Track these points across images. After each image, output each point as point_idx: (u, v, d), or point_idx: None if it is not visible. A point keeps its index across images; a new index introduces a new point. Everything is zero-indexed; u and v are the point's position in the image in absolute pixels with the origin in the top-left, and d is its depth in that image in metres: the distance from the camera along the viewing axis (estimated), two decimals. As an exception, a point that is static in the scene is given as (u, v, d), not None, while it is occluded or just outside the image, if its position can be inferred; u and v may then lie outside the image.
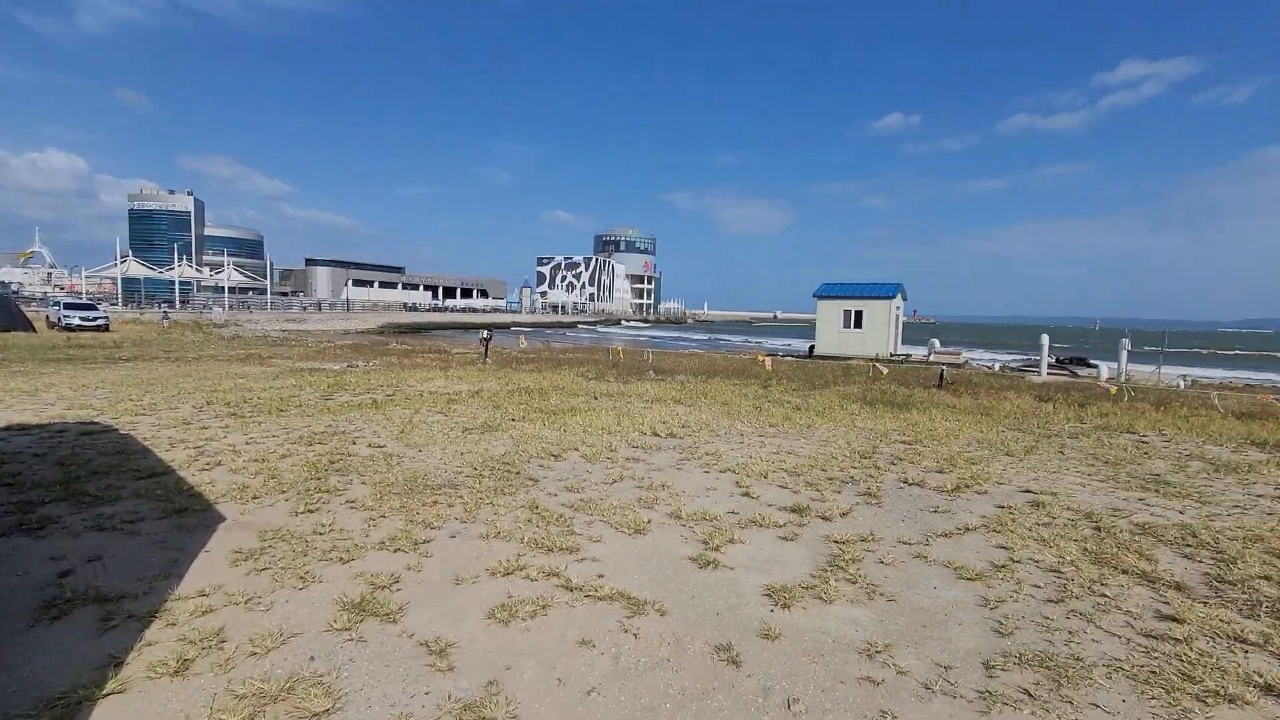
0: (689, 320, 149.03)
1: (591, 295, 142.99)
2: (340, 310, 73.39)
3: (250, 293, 78.96)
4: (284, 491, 5.59)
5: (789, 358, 28.19)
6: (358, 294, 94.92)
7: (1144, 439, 9.38)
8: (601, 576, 4.07)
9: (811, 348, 29.69)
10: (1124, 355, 21.59)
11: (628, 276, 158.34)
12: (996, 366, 25.41)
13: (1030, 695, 2.91)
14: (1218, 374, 27.32)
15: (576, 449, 7.50)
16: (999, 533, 5.03)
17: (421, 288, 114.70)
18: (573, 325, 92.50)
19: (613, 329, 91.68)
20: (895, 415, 10.83)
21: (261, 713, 2.60)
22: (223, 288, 69.20)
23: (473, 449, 7.35)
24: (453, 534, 4.73)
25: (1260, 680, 3.01)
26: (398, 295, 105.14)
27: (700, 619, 3.58)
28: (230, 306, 62.45)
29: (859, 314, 27.66)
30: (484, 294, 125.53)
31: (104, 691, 2.73)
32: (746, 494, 5.95)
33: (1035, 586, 4.08)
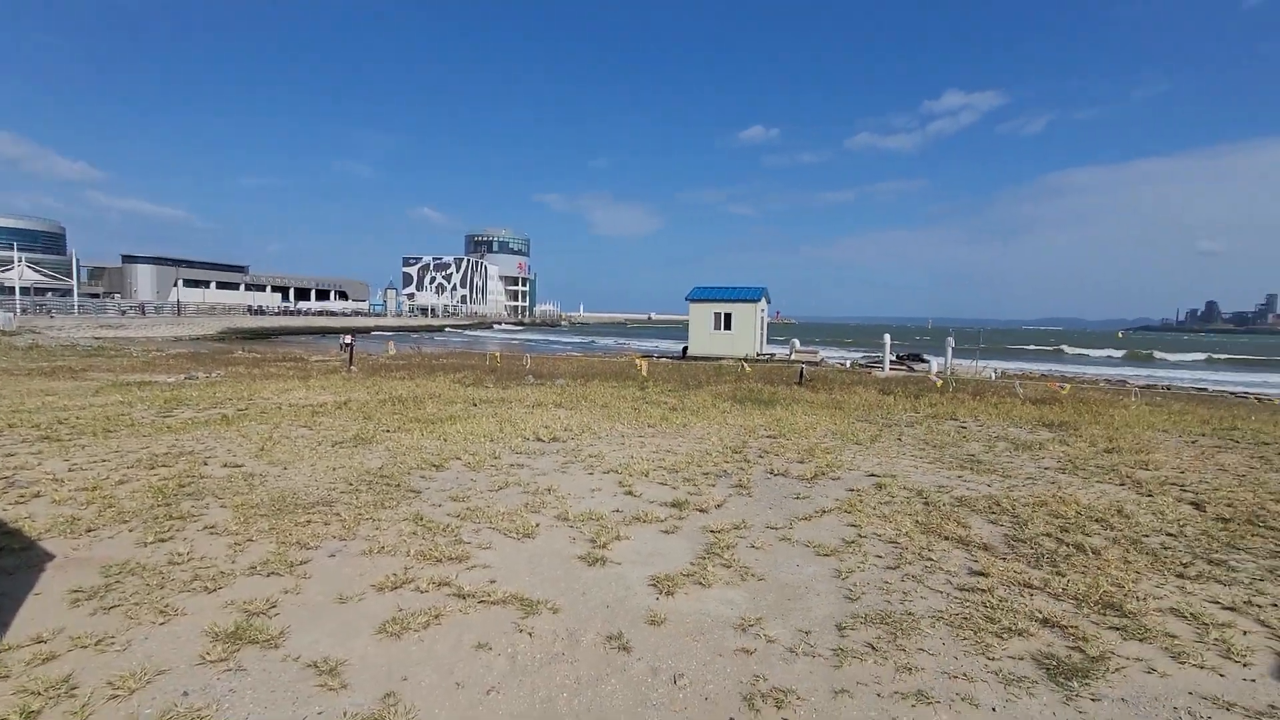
0: (565, 323, 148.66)
1: (463, 297, 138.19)
2: (169, 314, 64.84)
3: (50, 294, 67.59)
4: (126, 521, 5.06)
5: (664, 359, 29.21)
6: (190, 295, 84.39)
7: (964, 425, 10.90)
8: (493, 582, 4.15)
9: (685, 349, 30.95)
10: (949, 352, 24.71)
11: (501, 278, 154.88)
12: (848, 364, 28.03)
13: (874, 648, 3.42)
14: (1022, 366, 32.05)
15: (459, 457, 7.42)
16: (849, 513, 5.71)
17: (269, 289, 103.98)
18: (440, 329, 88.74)
19: (484, 332, 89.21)
20: (762, 412, 11.71)
21: (132, 756, 2.44)
22: (12, 288, 58.61)
23: (345, 463, 7.02)
24: (331, 553, 4.56)
25: (1040, 616, 3.76)
26: (240, 297, 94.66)
27: (591, 613, 3.79)
28: (24, 310, 53.10)
29: (728, 316, 29.26)
30: (343, 296, 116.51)
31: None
32: (629, 493, 6.25)
33: (878, 557, 4.72)
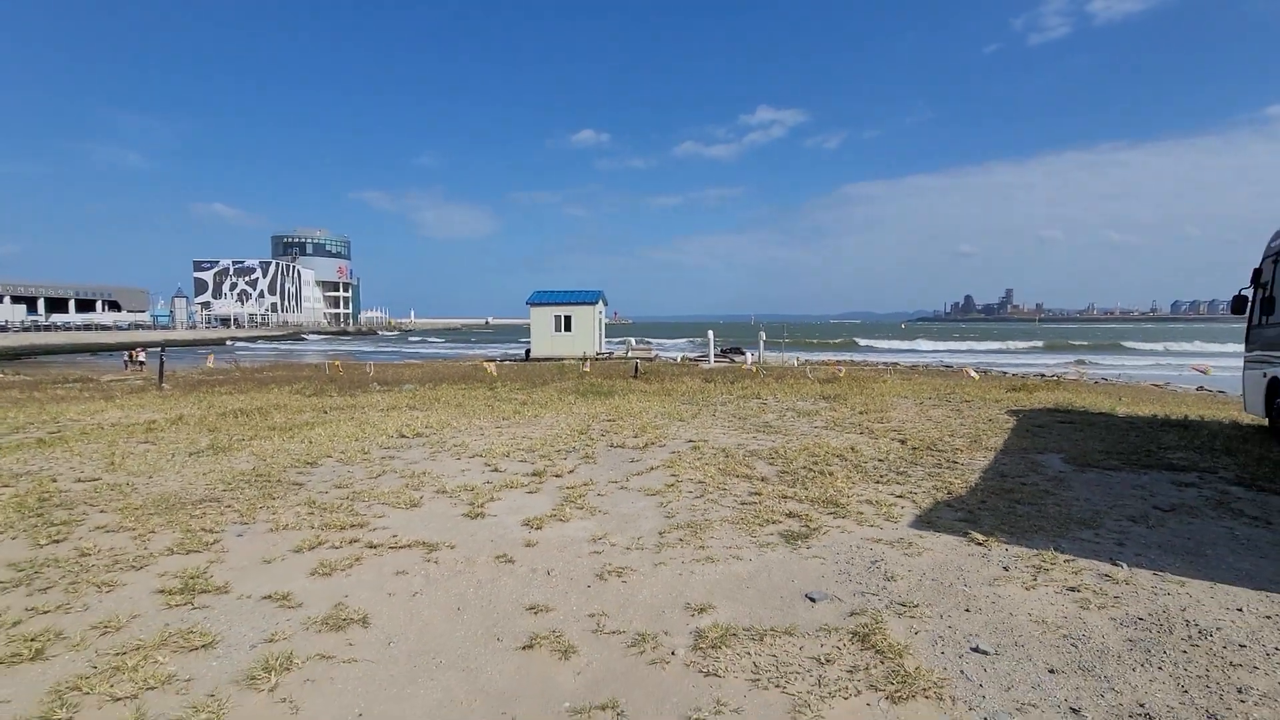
0: (393, 330, 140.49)
1: (273, 305, 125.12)
2: None
3: None
4: (2, 533, 5.25)
5: (508, 361, 29.98)
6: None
7: (765, 401, 13.40)
8: (395, 536, 5.18)
9: (528, 351, 31.95)
10: (761, 345, 28.47)
11: (319, 283, 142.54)
12: (678, 358, 30.95)
13: (682, 541, 5.04)
14: (822, 355, 37.42)
15: (329, 455, 8.05)
16: (671, 467, 7.43)
17: (8, 299, 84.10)
18: (221, 342, 75.61)
19: (296, 344, 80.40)
20: (602, 401, 13.34)
21: (148, 660, 3.26)
22: None
23: (213, 468, 7.37)
24: (239, 534, 5.26)
25: (787, 511, 5.68)
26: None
27: (480, 545, 5.01)
28: None
29: (568, 318, 30.80)
30: (115, 306, 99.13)
31: (-40, 686, 3.05)
32: (495, 469, 7.44)
33: (689, 492, 6.44)
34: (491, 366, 19.35)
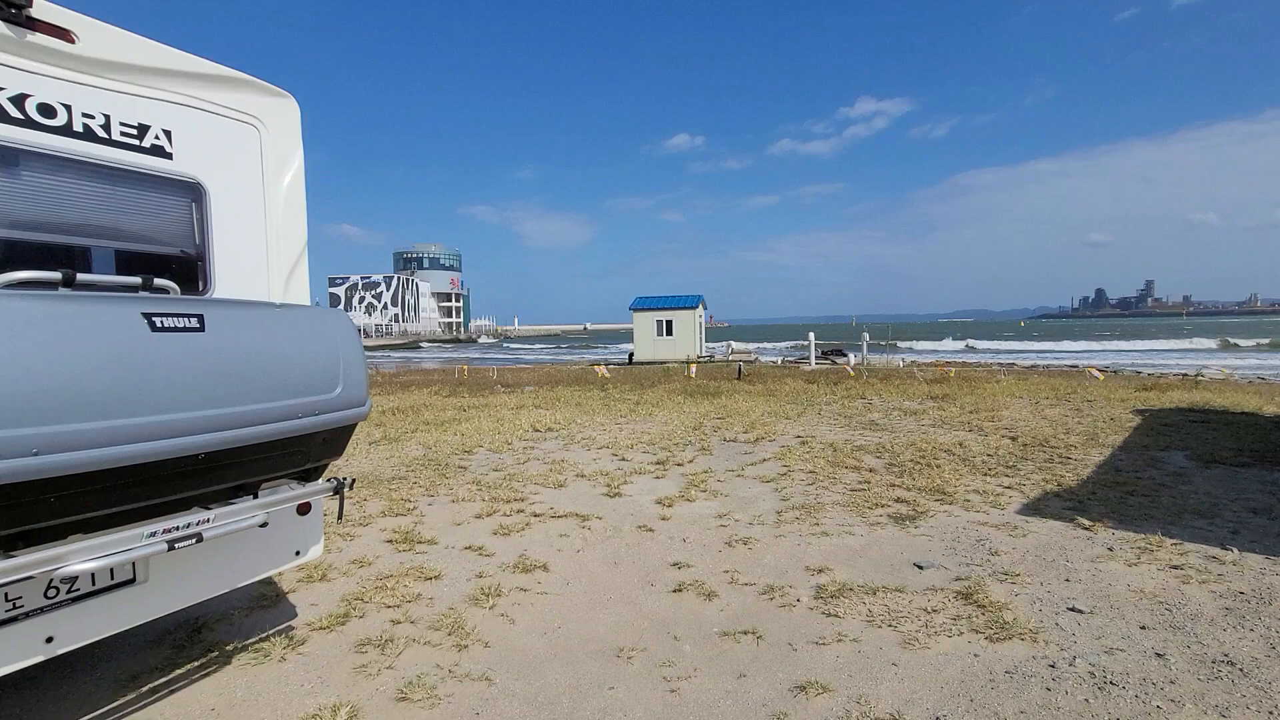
0: (498, 336, 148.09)
1: (395, 316, 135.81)
2: None
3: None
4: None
5: (612, 365, 31.39)
6: None
7: (870, 402, 13.62)
8: (551, 508, 6.21)
9: (631, 355, 33.24)
10: (864, 346, 28.06)
11: (434, 295, 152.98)
12: (779, 360, 31.06)
13: (798, 519, 5.71)
14: (933, 354, 36.14)
15: (480, 446, 9.35)
16: (782, 459, 8.06)
17: None
18: (379, 349, 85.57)
19: (415, 352, 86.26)
20: (709, 401, 14.09)
21: (399, 584, 4.39)
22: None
23: (392, 455, 8.83)
24: (429, 503, 6.50)
25: (895, 498, 6.18)
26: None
27: (622, 518, 5.92)
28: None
29: (669, 323, 31.78)
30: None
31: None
32: (622, 459, 8.39)
33: (801, 480, 7.07)
34: (602, 369, 20.62)
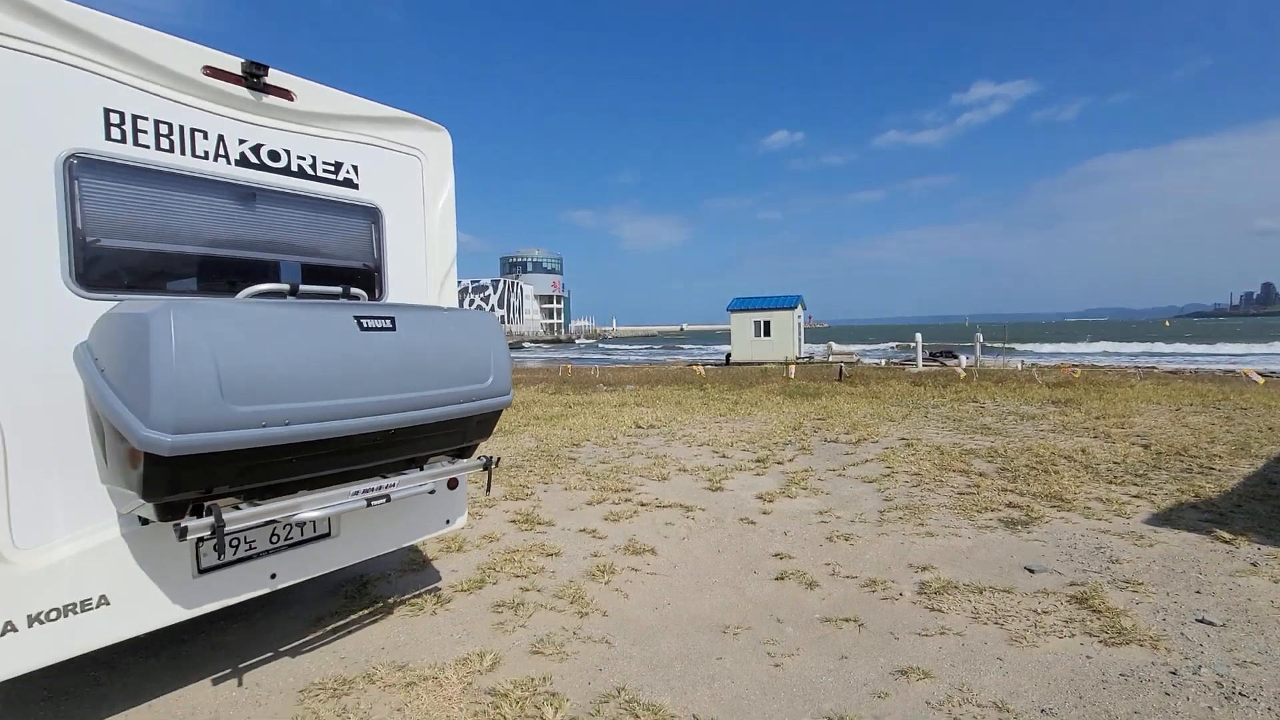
0: (596, 337, 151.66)
1: (501, 318, 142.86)
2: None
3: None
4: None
5: (709, 366, 31.52)
6: None
7: (982, 405, 12.98)
8: (657, 499, 6.57)
9: (728, 355, 33.21)
10: (977, 347, 26.46)
11: (536, 297, 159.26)
12: (882, 362, 29.93)
13: (901, 519, 5.71)
14: (1056, 356, 33.41)
15: (588, 439, 9.91)
16: (885, 460, 7.98)
17: None
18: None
19: (518, 352, 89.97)
20: (809, 402, 13.98)
21: (525, 558, 4.90)
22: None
23: (508, 445, 9.56)
24: (544, 490, 7.05)
25: (1007, 502, 6.01)
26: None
27: (724, 510, 6.17)
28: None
29: (768, 323, 31.47)
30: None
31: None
32: (723, 456, 8.63)
33: (905, 481, 7.00)
34: (700, 369, 20.87)
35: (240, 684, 3.22)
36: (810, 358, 31.97)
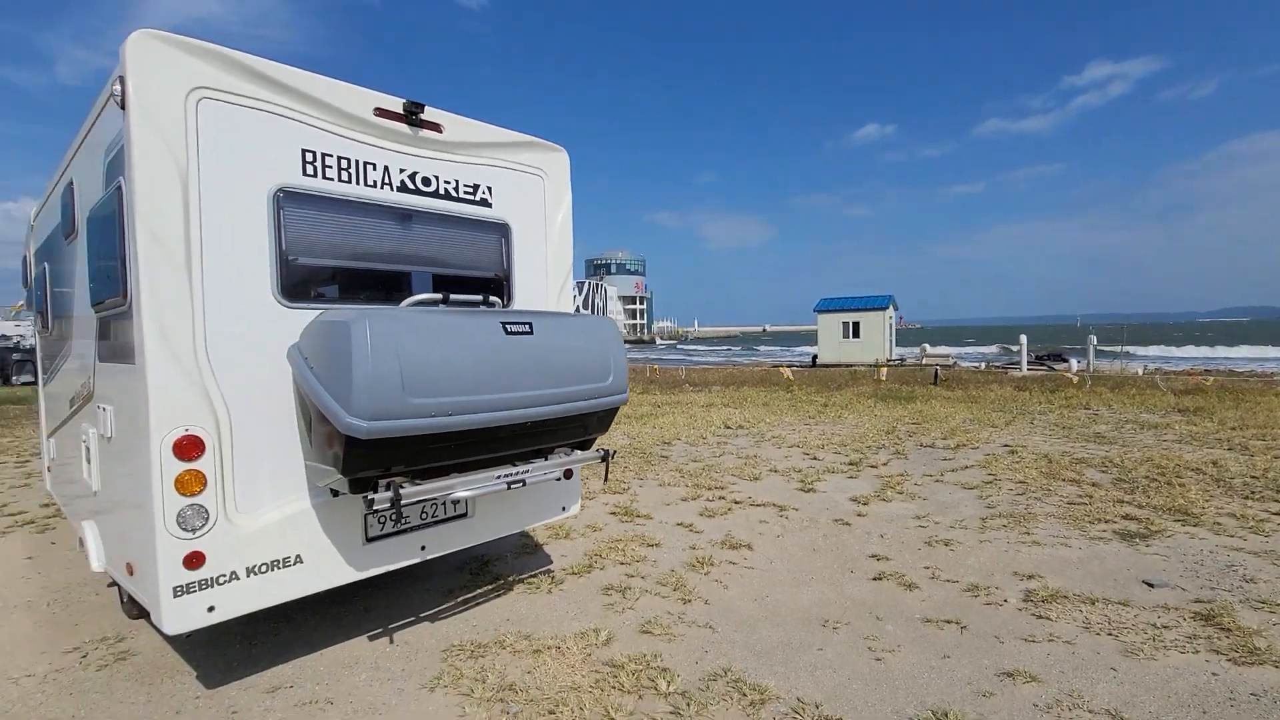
0: (678, 338, 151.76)
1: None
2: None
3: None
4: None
5: (795, 367, 31.03)
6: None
7: (1096, 412, 12.17)
8: (750, 497, 6.72)
9: (814, 357, 32.55)
10: (1090, 350, 24.60)
11: (620, 298, 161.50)
12: (982, 365, 28.38)
13: (1005, 527, 5.58)
14: (1184, 360, 30.48)
15: (678, 438, 10.17)
16: (986, 467, 7.73)
17: None
18: None
19: None
20: (903, 406, 13.59)
21: (628, 547, 5.21)
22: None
23: (603, 443, 9.94)
24: (640, 485, 7.36)
25: (1124, 515, 5.73)
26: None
27: (818, 511, 6.24)
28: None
29: (857, 324, 30.60)
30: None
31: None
32: (814, 458, 8.63)
33: (1009, 489, 6.78)
34: (787, 371, 20.66)
35: (391, 641, 3.70)
36: (902, 360, 30.80)
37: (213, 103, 2.69)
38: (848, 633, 3.76)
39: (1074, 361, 25.04)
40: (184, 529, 2.63)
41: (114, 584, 4.54)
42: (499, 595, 4.35)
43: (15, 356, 28.78)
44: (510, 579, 4.60)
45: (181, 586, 2.63)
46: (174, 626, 2.63)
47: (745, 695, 3.08)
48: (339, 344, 2.44)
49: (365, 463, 2.57)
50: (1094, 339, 24.81)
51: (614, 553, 5.07)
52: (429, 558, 3.50)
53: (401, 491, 2.71)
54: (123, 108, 2.53)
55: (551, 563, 4.93)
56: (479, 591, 4.40)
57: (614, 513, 6.21)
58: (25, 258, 5.92)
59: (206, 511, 2.68)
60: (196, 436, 2.64)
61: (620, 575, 4.65)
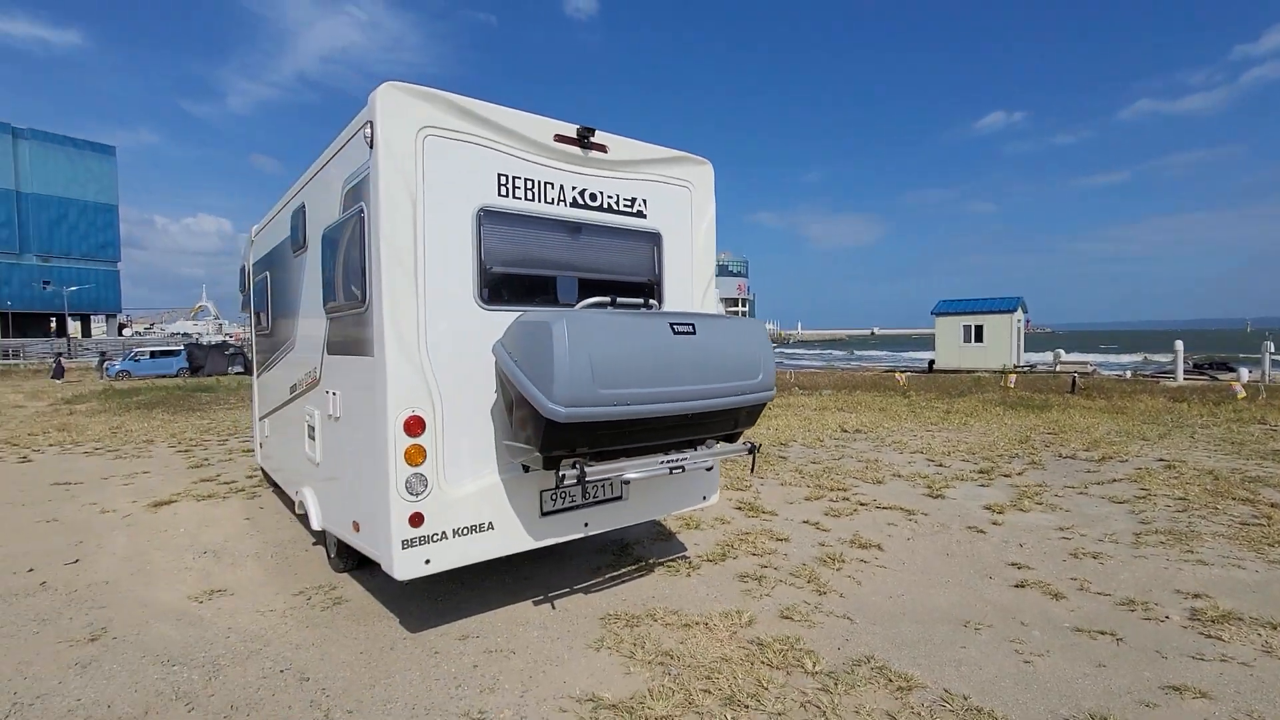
0: (779, 341, 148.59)
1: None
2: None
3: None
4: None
5: (909, 373, 29.64)
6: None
7: (1274, 428, 10.85)
8: (875, 500, 6.70)
9: (931, 363, 30.93)
10: (1266, 358, 21.66)
11: (722, 300, 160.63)
12: (1127, 374, 25.77)
13: (1163, 544, 5.24)
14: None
15: (794, 440, 10.20)
16: (1138, 482, 7.20)
17: None
18: None
19: None
20: (1036, 415, 12.76)
21: (758, 540, 5.42)
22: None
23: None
24: (761, 483, 7.53)
25: (1310, 538, 5.20)
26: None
27: (949, 517, 6.13)
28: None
29: (979, 328, 28.77)
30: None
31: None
32: (940, 465, 8.40)
33: (1166, 505, 6.31)
34: (901, 377, 19.90)
35: (553, 607, 4.15)
36: (1032, 367, 28.59)
37: (434, 138, 3.22)
38: (991, 635, 3.76)
39: (1243, 371, 22.15)
40: (410, 493, 3.17)
41: (317, 543, 5.36)
42: (642, 575, 4.71)
43: (228, 351, 33.67)
44: (651, 561, 4.96)
45: (408, 540, 3.17)
46: (402, 574, 3.18)
47: (891, 681, 3.21)
48: (542, 341, 2.87)
49: (559, 443, 2.98)
50: (1270, 345, 21.81)
51: (745, 544, 5.30)
52: (590, 534, 3.91)
53: (586, 470, 3.11)
54: (370, 146, 3.11)
55: (686, 550, 5.24)
56: (623, 571, 4.79)
57: (739, 508, 6.44)
58: (243, 268, 7.04)
59: (426, 479, 3.21)
60: (420, 416, 3.18)
61: (754, 565, 4.87)
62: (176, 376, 31.79)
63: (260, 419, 6.66)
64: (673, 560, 4.97)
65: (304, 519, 4.83)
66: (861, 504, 6.55)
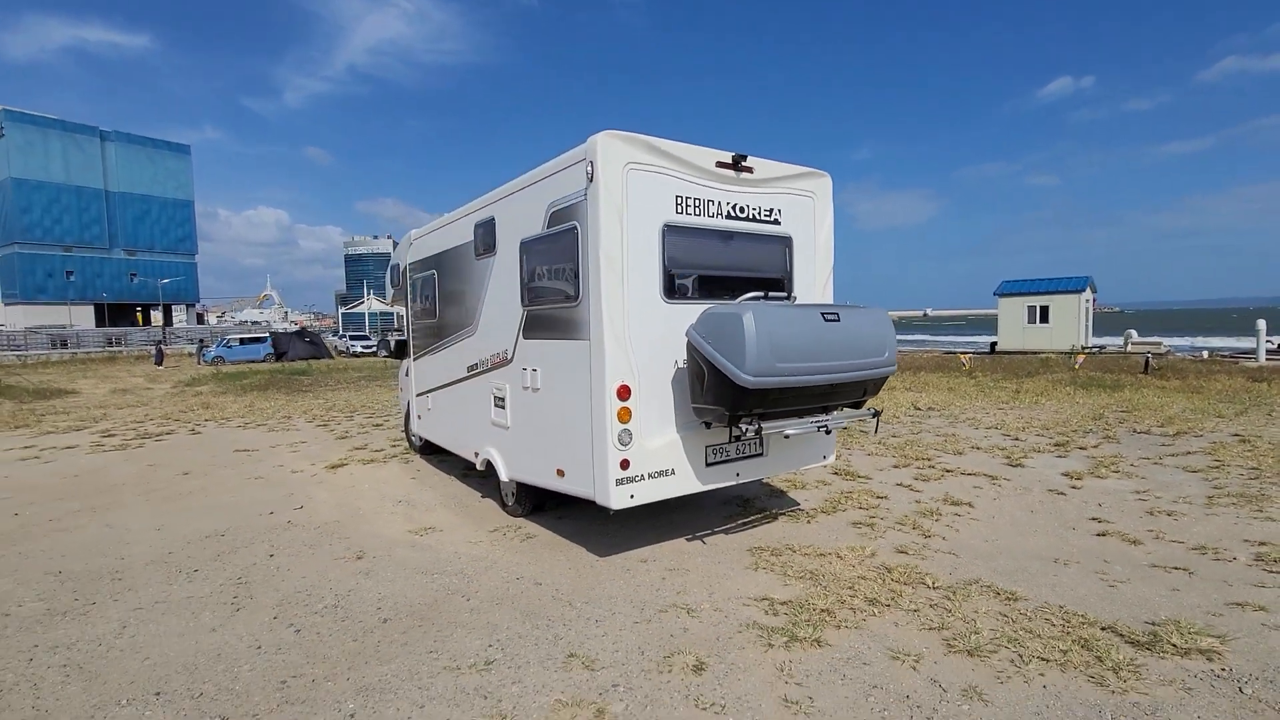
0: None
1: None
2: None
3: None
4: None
5: (972, 354, 29.54)
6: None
7: (1356, 407, 10.94)
8: (958, 467, 7.43)
9: (993, 344, 30.70)
10: (1356, 337, 20.91)
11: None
12: (1204, 354, 25.15)
13: (1235, 505, 5.84)
14: None
15: (870, 417, 10.92)
16: (1212, 454, 7.69)
17: None
18: None
19: None
20: (1108, 394, 13.07)
21: (859, 497, 6.26)
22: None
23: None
24: (847, 453, 8.34)
25: (1377, 500, 5.72)
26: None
27: (1029, 482, 6.82)
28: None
29: (1045, 309, 28.41)
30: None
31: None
32: (1016, 439, 9.01)
33: (1240, 474, 6.83)
34: (966, 358, 20.14)
35: (703, 543, 5.12)
36: (1101, 349, 28.13)
37: (634, 170, 4.16)
38: (1078, 569, 4.53)
39: (1331, 351, 21.45)
40: (620, 444, 4.16)
41: (486, 496, 6.47)
42: (769, 522, 5.63)
43: (306, 339, 36.47)
44: (774, 512, 5.88)
45: (619, 480, 4.17)
46: (617, 505, 4.19)
47: (998, 594, 4.05)
48: (734, 326, 3.79)
49: (743, 406, 3.91)
50: (1361, 325, 21.03)
51: (850, 500, 6.16)
52: (741, 481, 4.86)
53: (761, 425, 4.05)
54: (590, 180, 4.06)
55: (798, 504, 6.14)
56: (752, 518, 5.73)
57: (835, 473, 7.28)
58: (398, 265, 8.21)
59: (630, 434, 4.20)
60: (627, 385, 4.16)
61: (863, 516, 5.73)
62: (263, 361, 34.39)
63: (419, 395, 7.83)
64: (792, 511, 5.88)
65: (481, 473, 5.92)
66: (947, 470, 7.30)
